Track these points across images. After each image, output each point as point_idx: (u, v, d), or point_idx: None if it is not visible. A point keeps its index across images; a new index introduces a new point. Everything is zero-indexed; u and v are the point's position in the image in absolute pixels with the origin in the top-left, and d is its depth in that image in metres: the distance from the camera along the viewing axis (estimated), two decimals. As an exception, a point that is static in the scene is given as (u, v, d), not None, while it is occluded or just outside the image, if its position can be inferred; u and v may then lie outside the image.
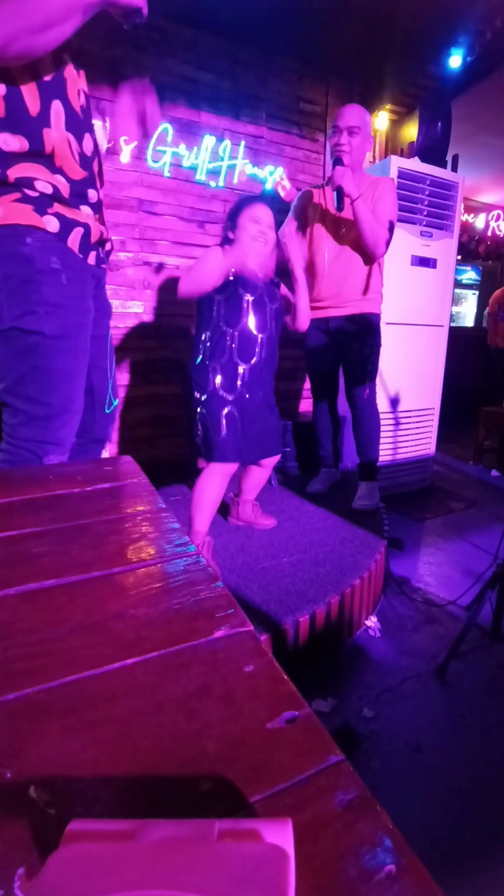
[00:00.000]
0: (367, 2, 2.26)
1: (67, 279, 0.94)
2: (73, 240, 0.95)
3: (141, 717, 0.31)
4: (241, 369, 1.61)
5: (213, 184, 2.62)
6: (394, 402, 2.75)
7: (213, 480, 1.61)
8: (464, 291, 6.51)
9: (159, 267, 2.57)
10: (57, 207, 0.91)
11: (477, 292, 6.56)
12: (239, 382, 1.61)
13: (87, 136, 0.94)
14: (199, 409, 1.61)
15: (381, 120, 3.03)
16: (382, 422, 2.27)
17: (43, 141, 0.86)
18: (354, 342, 2.10)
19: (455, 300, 6.30)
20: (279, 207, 1.95)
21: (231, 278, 1.55)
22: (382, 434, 2.25)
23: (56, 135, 0.87)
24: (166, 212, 2.54)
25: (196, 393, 1.62)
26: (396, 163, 2.42)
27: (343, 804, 0.25)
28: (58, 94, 0.87)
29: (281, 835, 0.20)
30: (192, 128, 2.52)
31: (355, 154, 1.90)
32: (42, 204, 0.88)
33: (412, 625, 1.71)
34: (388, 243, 1.98)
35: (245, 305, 1.57)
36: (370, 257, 2.00)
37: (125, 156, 2.36)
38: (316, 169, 2.98)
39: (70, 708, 0.32)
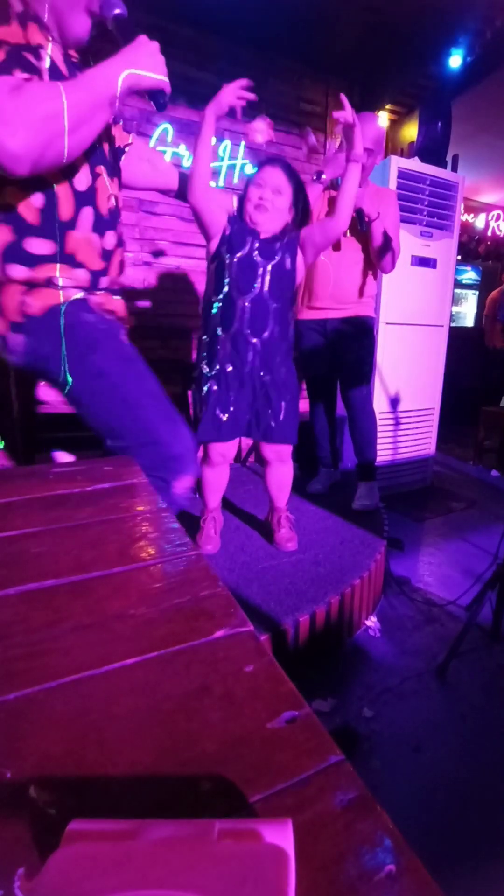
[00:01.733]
0: (368, 2, 2.26)
1: (104, 324, 1.05)
2: (95, 303, 1.07)
3: (141, 717, 0.31)
4: (220, 339, 1.47)
5: (213, 184, 2.62)
6: (394, 402, 2.75)
7: (204, 462, 1.60)
8: (464, 291, 6.51)
9: (157, 254, 2.57)
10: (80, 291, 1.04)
11: (477, 292, 6.55)
12: (219, 353, 1.47)
13: (109, 233, 1.05)
14: (191, 388, 1.57)
15: (382, 120, 3.02)
16: (382, 422, 2.27)
17: (66, 243, 0.98)
18: (351, 344, 2.11)
19: (455, 300, 6.30)
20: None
21: (224, 234, 1.42)
22: (382, 434, 2.25)
23: (79, 235, 0.98)
24: (166, 212, 2.54)
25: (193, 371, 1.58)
26: (396, 163, 2.42)
27: (343, 804, 0.25)
28: (89, 201, 0.98)
29: (281, 835, 0.20)
30: (192, 128, 2.52)
31: (368, 172, 1.93)
32: (68, 290, 1.02)
33: (412, 625, 1.71)
34: (395, 261, 2.01)
35: (228, 266, 1.43)
36: (377, 270, 2.05)
37: (125, 156, 2.36)
38: (316, 169, 2.97)
39: (70, 708, 0.32)
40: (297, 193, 1.47)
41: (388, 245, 1.93)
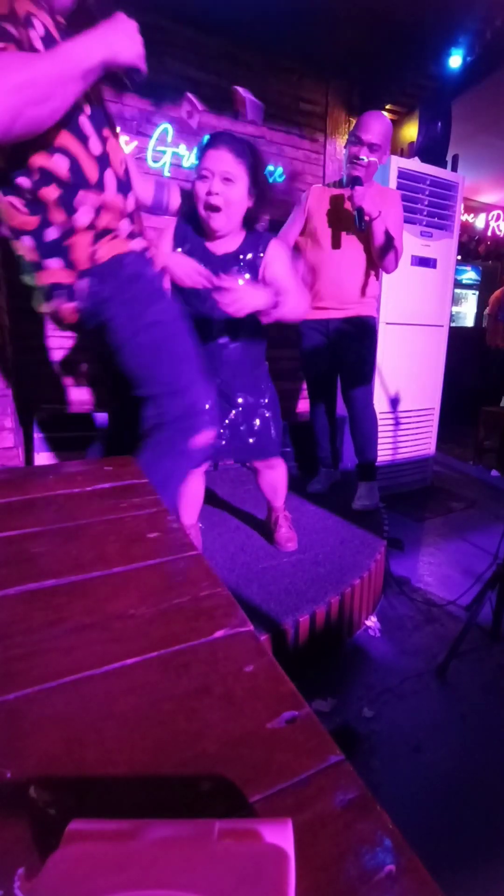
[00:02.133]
0: (368, 2, 2.26)
1: (160, 280, 1.12)
2: (152, 254, 1.14)
3: (141, 717, 0.31)
4: (216, 374, 1.42)
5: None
6: (394, 402, 2.75)
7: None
8: (464, 291, 6.51)
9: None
10: (136, 237, 1.10)
11: (477, 292, 6.56)
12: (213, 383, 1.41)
13: (130, 196, 1.09)
14: None
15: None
16: (382, 422, 2.27)
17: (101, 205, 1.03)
18: (352, 344, 2.10)
19: (455, 300, 6.30)
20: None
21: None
22: (382, 434, 2.25)
23: (109, 198, 1.02)
24: (166, 212, 2.54)
25: None
26: (396, 163, 2.42)
27: (343, 804, 0.25)
28: (107, 164, 1.02)
29: (281, 835, 0.20)
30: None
31: (371, 170, 1.91)
32: (127, 237, 1.08)
33: (412, 625, 1.71)
34: (398, 260, 2.00)
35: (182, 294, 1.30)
36: (380, 270, 2.04)
37: (125, 156, 2.36)
38: (316, 169, 2.97)
39: (70, 708, 0.32)
40: (254, 172, 1.24)
41: (390, 244, 1.92)
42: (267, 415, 1.55)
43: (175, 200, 1.36)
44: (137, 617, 0.41)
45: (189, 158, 2.53)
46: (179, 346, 1.12)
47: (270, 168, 2.77)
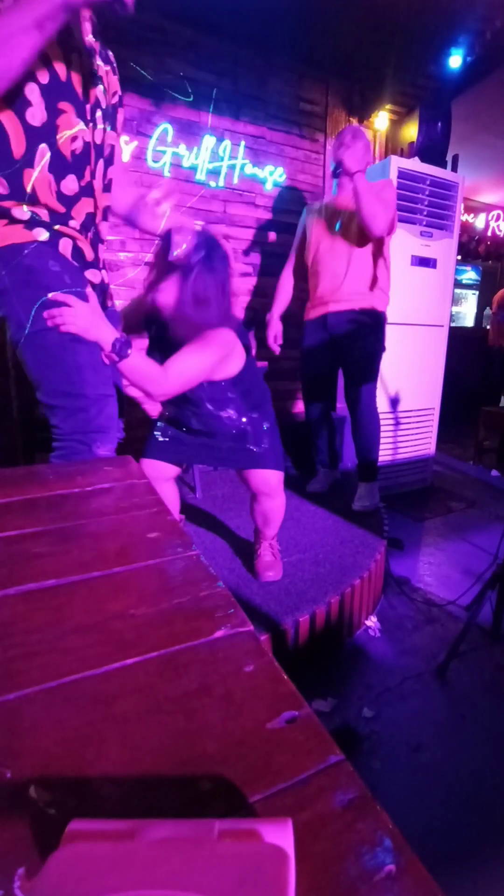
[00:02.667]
0: (368, 2, 2.26)
1: (70, 279, 1.01)
2: (64, 248, 1.02)
3: (141, 717, 0.31)
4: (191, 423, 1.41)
5: (213, 184, 2.62)
6: (394, 402, 2.75)
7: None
8: (464, 291, 6.51)
9: None
10: (43, 226, 1.00)
11: (477, 292, 6.56)
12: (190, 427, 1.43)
13: (71, 178, 0.98)
14: None
15: (381, 120, 3.03)
16: (383, 422, 2.26)
17: (23, 180, 0.93)
18: (355, 340, 2.06)
19: (455, 300, 6.30)
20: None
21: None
22: (383, 434, 2.24)
23: (36, 174, 0.94)
24: (166, 212, 2.54)
25: None
26: (396, 163, 2.42)
27: (343, 804, 0.25)
28: (46, 138, 0.93)
29: (281, 835, 0.20)
30: (192, 128, 2.52)
31: (356, 156, 1.86)
32: (30, 223, 0.97)
33: (412, 625, 1.71)
34: (389, 224, 1.90)
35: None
36: (369, 235, 1.92)
37: (125, 156, 2.36)
38: (316, 169, 2.97)
39: (70, 708, 0.32)
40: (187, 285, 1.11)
41: (373, 201, 1.84)
42: (265, 427, 1.47)
43: (177, 242, 1.11)
44: (137, 617, 0.41)
45: (189, 158, 2.53)
46: (79, 358, 1.02)
47: (271, 169, 2.77)
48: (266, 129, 2.74)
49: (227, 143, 2.61)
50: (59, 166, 0.96)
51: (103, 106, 1.03)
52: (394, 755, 1.20)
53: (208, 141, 2.55)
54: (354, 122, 3.05)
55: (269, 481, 1.47)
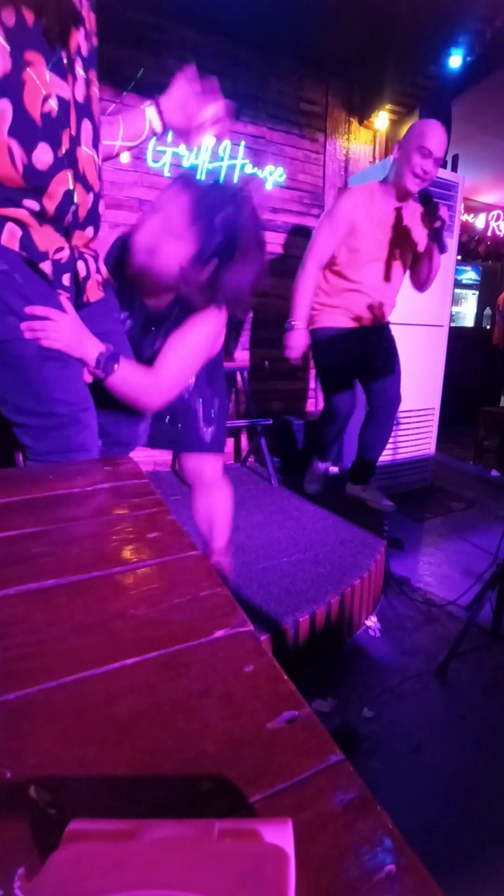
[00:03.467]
0: (368, 2, 2.26)
1: (22, 277, 0.84)
2: (8, 239, 0.83)
3: (141, 717, 0.31)
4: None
5: (213, 184, 2.63)
6: (394, 402, 2.75)
7: None
8: (464, 291, 6.51)
9: None
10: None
11: (477, 292, 6.56)
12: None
13: (43, 146, 0.80)
14: None
15: (381, 120, 3.03)
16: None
17: None
18: (390, 347, 2.12)
19: (455, 300, 6.30)
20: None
21: None
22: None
23: None
24: (166, 212, 2.54)
25: None
26: (396, 163, 2.42)
27: (343, 804, 0.25)
28: (9, 94, 0.76)
29: (281, 835, 0.20)
30: (192, 128, 2.52)
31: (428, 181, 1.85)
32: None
33: (412, 625, 1.71)
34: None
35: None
36: (415, 286, 2.08)
37: (125, 156, 2.36)
38: (316, 169, 2.97)
39: (70, 708, 0.32)
40: (207, 238, 0.95)
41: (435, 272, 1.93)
42: (216, 404, 1.29)
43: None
44: (137, 617, 0.41)
45: (189, 158, 2.53)
46: (44, 371, 0.88)
47: (271, 169, 2.77)
48: (266, 129, 2.74)
49: (226, 143, 2.61)
50: (26, 131, 0.77)
51: (84, 53, 0.85)
52: (394, 755, 1.20)
53: (208, 141, 2.55)
54: (354, 122, 3.05)
55: (210, 468, 1.31)
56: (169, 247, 0.97)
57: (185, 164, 2.52)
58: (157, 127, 1.05)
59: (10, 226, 0.82)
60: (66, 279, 0.93)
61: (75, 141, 0.86)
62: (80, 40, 0.83)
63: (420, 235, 1.91)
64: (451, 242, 2.75)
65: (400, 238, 1.91)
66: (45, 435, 0.92)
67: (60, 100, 0.82)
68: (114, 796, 0.26)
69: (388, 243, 1.91)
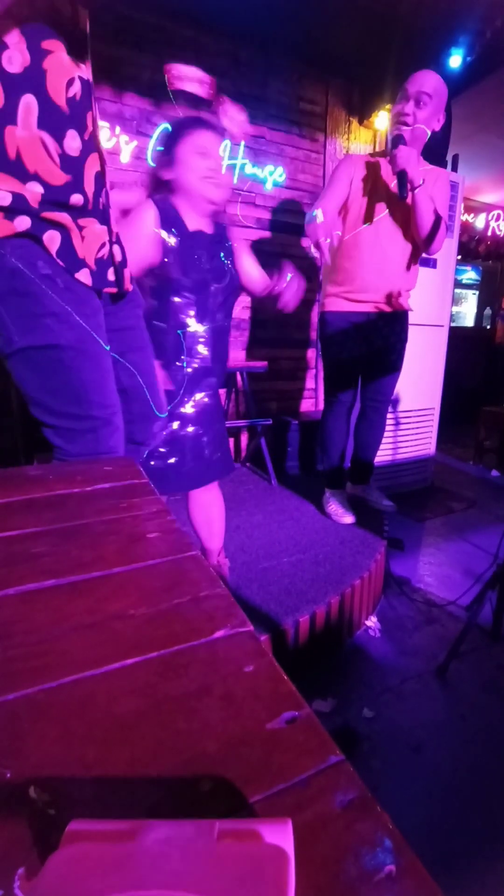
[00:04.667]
0: (368, 2, 2.26)
1: (63, 282, 0.85)
2: (50, 242, 0.83)
3: (141, 717, 0.31)
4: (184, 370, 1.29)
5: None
6: (394, 402, 2.75)
7: None
8: (464, 291, 6.51)
9: None
10: (26, 213, 0.80)
11: (477, 292, 6.56)
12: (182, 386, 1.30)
13: (71, 133, 0.79)
14: None
15: (381, 120, 3.03)
16: (382, 421, 2.25)
17: (4, 142, 0.74)
18: (397, 343, 1.98)
19: (455, 300, 6.30)
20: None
21: (165, 259, 1.20)
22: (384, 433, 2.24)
23: (23, 134, 0.74)
24: (166, 212, 2.54)
25: None
26: (396, 163, 2.42)
27: (343, 804, 0.25)
28: (32, 87, 0.74)
29: (281, 835, 0.20)
30: (193, 128, 2.52)
31: (418, 132, 1.65)
32: (10, 212, 0.78)
33: (412, 625, 1.71)
34: (440, 244, 1.78)
35: (181, 300, 1.24)
36: (421, 252, 1.82)
37: (125, 156, 2.36)
38: (316, 169, 2.97)
39: (70, 708, 0.32)
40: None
41: (437, 222, 1.69)
42: (222, 428, 1.41)
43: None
44: (137, 617, 0.41)
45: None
46: (82, 374, 0.89)
47: (271, 169, 2.77)
48: (266, 128, 2.74)
49: (226, 142, 2.61)
50: (55, 121, 0.77)
51: (87, 29, 0.82)
52: (394, 755, 1.20)
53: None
54: (354, 122, 3.05)
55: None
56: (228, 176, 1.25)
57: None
58: None
59: (50, 233, 0.82)
60: (110, 274, 0.93)
61: (95, 122, 0.86)
62: (86, 18, 0.81)
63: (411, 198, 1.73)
64: (451, 242, 2.75)
65: (393, 201, 1.78)
66: (79, 437, 0.93)
67: (82, 81, 0.80)
68: (114, 796, 0.26)
69: (387, 208, 1.79)
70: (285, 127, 2.81)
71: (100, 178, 0.88)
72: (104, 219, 0.91)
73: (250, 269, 1.34)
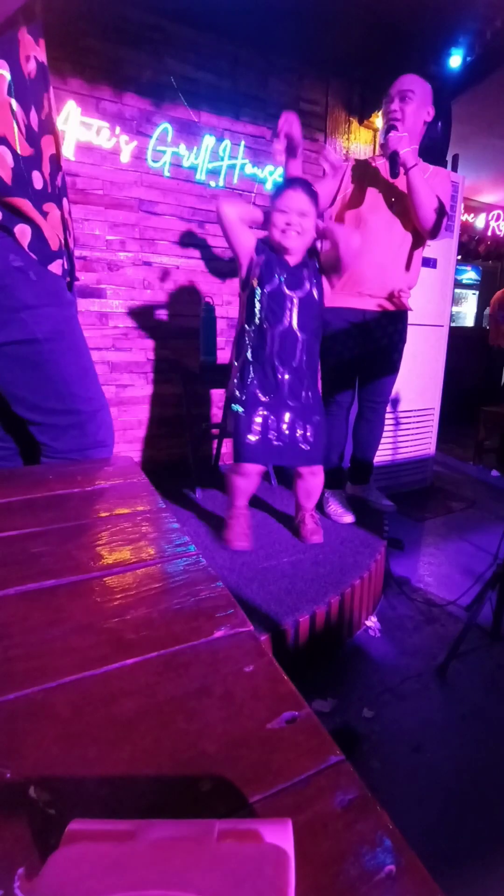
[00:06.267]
0: (368, 2, 2.26)
1: (36, 275, 0.84)
2: (21, 236, 0.82)
3: (141, 717, 0.31)
4: (251, 366, 1.55)
5: (213, 184, 2.62)
6: (394, 402, 2.75)
7: (239, 479, 1.63)
8: (464, 291, 6.51)
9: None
10: None
11: (477, 292, 6.56)
12: (249, 379, 1.55)
13: (33, 109, 0.80)
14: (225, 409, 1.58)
15: (382, 120, 3.03)
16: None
17: None
18: (398, 343, 1.98)
19: (455, 300, 6.30)
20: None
21: (253, 266, 1.49)
22: (383, 434, 2.24)
23: None
24: (166, 212, 2.54)
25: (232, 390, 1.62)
26: (396, 163, 2.42)
27: (343, 804, 0.25)
28: (5, 54, 0.74)
29: (281, 835, 0.20)
30: (192, 128, 2.52)
31: (409, 122, 1.72)
32: None
33: (412, 625, 1.71)
34: (442, 227, 1.80)
35: (259, 298, 1.49)
36: (421, 235, 1.84)
37: (125, 156, 2.36)
38: (316, 169, 2.97)
39: (70, 708, 0.32)
40: (317, 211, 1.52)
41: (432, 200, 1.72)
42: (317, 419, 1.63)
43: None
44: (137, 617, 0.41)
45: (189, 158, 2.53)
46: (65, 368, 0.87)
47: (271, 169, 2.78)
48: (266, 129, 2.74)
49: (227, 142, 2.61)
50: (22, 92, 0.76)
51: (40, 19, 0.83)
52: (394, 755, 1.20)
53: (208, 141, 2.55)
54: (354, 122, 3.05)
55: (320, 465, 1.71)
56: (307, 224, 1.48)
57: (185, 164, 2.52)
58: None
59: (21, 227, 0.81)
60: (65, 263, 0.92)
61: (52, 104, 0.86)
62: (38, 6, 0.82)
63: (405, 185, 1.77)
64: (451, 242, 2.75)
65: (390, 193, 1.81)
66: (64, 433, 0.92)
67: (38, 61, 0.81)
68: (114, 796, 0.26)
69: (383, 199, 1.82)
70: (285, 127, 2.80)
71: (55, 161, 0.87)
72: (60, 204, 0.90)
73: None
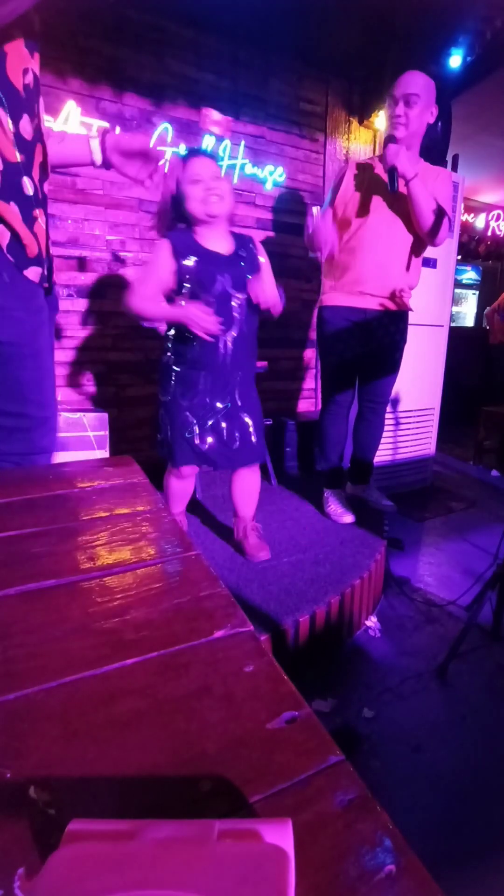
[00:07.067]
0: (368, 2, 2.26)
1: (9, 277, 0.85)
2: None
3: (141, 717, 0.31)
4: (201, 374, 1.45)
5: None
6: (394, 402, 2.74)
7: (172, 481, 1.60)
8: (464, 291, 6.52)
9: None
10: None
11: (477, 292, 6.56)
12: (200, 387, 1.45)
13: (26, 117, 0.82)
14: (160, 411, 1.52)
15: (382, 120, 3.03)
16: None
17: None
18: (400, 342, 1.97)
19: (455, 300, 6.30)
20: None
21: (186, 277, 1.37)
22: (383, 434, 2.24)
23: None
24: (166, 212, 2.54)
25: (159, 394, 1.54)
26: (396, 163, 2.42)
27: (343, 804, 0.25)
28: None
29: (281, 835, 0.20)
30: (193, 128, 2.52)
31: (413, 126, 1.70)
32: None
33: (412, 625, 1.71)
34: (444, 234, 1.79)
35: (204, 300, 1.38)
36: (423, 244, 1.84)
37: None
38: (316, 169, 2.97)
39: (70, 708, 0.32)
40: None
41: (439, 213, 1.71)
42: (247, 419, 1.53)
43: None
44: (137, 617, 0.41)
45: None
46: (21, 371, 0.89)
47: (271, 169, 2.78)
48: (266, 128, 2.74)
49: (227, 142, 2.61)
50: (12, 101, 0.78)
51: (37, 26, 0.85)
52: (394, 755, 1.20)
53: (208, 141, 2.55)
54: (354, 122, 3.05)
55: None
56: (226, 185, 1.41)
57: (185, 164, 2.52)
58: (97, 160, 1.06)
59: (0, 227, 0.82)
60: (34, 275, 0.92)
61: (41, 114, 0.88)
62: (37, 19, 0.84)
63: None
64: (451, 242, 2.75)
65: (389, 197, 1.79)
66: (9, 435, 0.92)
67: (33, 73, 0.84)
68: (114, 796, 0.26)
69: (384, 201, 1.81)
70: (285, 127, 2.80)
71: (43, 168, 0.90)
72: (45, 211, 0.92)
73: (264, 287, 1.42)
